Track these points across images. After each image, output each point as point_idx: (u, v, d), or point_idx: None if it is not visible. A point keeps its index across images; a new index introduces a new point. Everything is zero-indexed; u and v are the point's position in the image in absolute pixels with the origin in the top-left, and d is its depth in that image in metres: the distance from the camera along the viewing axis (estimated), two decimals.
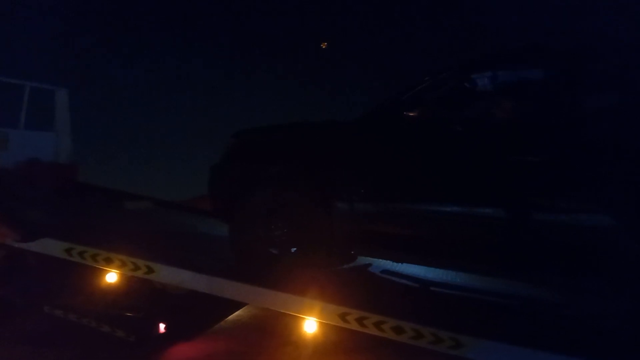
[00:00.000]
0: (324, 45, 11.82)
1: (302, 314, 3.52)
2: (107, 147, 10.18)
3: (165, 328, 4.25)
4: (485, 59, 3.76)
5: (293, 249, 3.69)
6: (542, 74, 3.44)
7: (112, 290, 4.23)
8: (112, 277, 4.14)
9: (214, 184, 4.11)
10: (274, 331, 4.50)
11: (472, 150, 3.35)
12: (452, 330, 3.04)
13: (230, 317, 4.95)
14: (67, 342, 4.23)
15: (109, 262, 3.82)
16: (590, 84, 3.29)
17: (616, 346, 2.84)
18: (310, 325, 3.65)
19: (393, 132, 3.51)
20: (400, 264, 4.00)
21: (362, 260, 4.10)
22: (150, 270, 3.74)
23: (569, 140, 3.10)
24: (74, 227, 4.32)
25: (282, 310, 3.53)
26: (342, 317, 3.32)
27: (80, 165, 6.63)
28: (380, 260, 4.06)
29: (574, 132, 3.12)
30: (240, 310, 4.98)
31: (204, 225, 5.30)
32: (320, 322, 3.52)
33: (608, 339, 2.93)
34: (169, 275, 3.76)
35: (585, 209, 3.04)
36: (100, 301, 4.26)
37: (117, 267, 3.84)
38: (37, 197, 5.14)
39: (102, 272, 4.09)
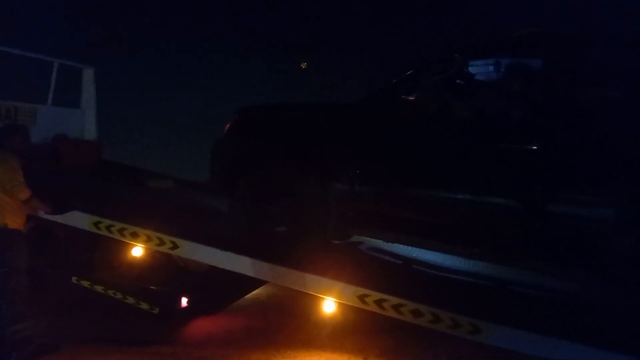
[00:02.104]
0: (304, 65, 11.82)
1: (321, 294, 3.58)
2: (132, 126, 10.30)
3: (187, 302, 4.36)
4: (483, 46, 3.79)
5: (290, 226, 3.72)
6: (540, 62, 3.43)
7: (137, 264, 4.36)
8: (137, 251, 4.25)
9: (216, 159, 4.14)
10: (292, 310, 4.60)
11: (466, 136, 3.38)
12: (472, 316, 3.08)
13: (249, 295, 5.05)
14: (93, 313, 4.39)
15: (135, 236, 3.92)
16: (588, 74, 3.26)
17: (626, 333, 2.86)
18: (329, 306, 3.72)
19: (391, 116, 3.54)
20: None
21: (356, 238, 4.13)
22: (175, 246, 3.83)
23: (567, 131, 3.09)
24: (101, 202, 4.42)
25: (302, 290, 3.59)
26: (361, 298, 3.37)
27: (105, 142, 6.72)
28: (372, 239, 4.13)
29: (572, 122, 3.10)
30: (259, 289, 5.09)
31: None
32: (339, 303, 3.58)
33: (619, 326, 2.94)
34: (193, 251, 3.85)
35: (581, 200, 3.04)
36: (126, 274, 4.39)
37: (143, 242, 3.94)
38: (64, 172, 5.25)
39: (128, 246, 4.20)
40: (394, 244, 4.16)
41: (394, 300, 3.29)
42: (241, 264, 3.69)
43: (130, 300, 4.20)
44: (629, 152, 2.91)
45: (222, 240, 3.86)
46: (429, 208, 3.45)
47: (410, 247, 4.19)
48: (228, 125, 4.11)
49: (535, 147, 3.11)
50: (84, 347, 3.93)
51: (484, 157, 3.25)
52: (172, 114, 10.82)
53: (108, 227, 3.96)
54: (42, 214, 4.03)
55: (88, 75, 6.78)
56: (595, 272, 3.11)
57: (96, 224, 3.98)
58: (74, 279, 4.33)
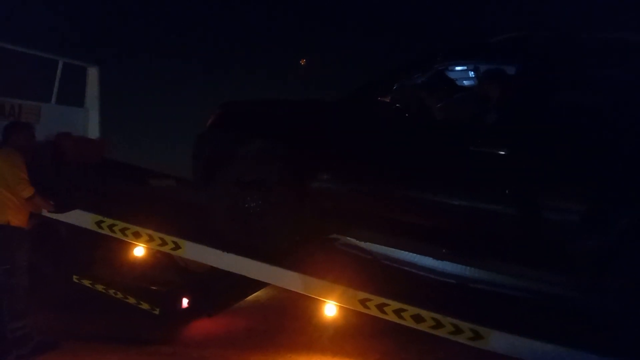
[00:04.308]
0: (302, 62, 11.84)
1: (323, 297, 3.59)
2: (135, 125, 10.31)
3: (188, 303, 4.36)
4: (463, 49, 3.79)
5: (267, 220, 3.74)
6: (517, 66, 3.44)
7: (138, 263, 4.36)
8: (139, 250, 4.25)
9: (197, 151, 4.16)
10: (293, 313, 4.60)
11: (441, 138, 3.42)
12: (474, 322, 3.08)
13: (249, 297, 5.05)
14: (93, 312, 4.39)
15: (137, 236, 3.92)
16: (567, 79, 3.30)
17: (625, 342, 2.87)
18: (330, 309, 3.71)
19: (368, 115, 3.59)
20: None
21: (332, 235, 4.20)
22: (177, 246, 3.83)
23: (538, 135, 3.13)
24: (103, 201, 4.42)
25: (303, 293, 3.59)
26: (363, 302, 3.37)
27: (108, 141, 6.73)
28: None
29: (543, 126, 3.14)
30: (259, 291, 5.08)
31: None
32: (340, 306, 3.58)
33: (618, 334, 2.95)
34: (194, 252, 3.85)
35: (549, 203, 3.06)
36: (126, 274, 4.38)
37: (145, 242, 3.94)
38: (67, 170, 5.26)
39: (130, 246, 4.20)
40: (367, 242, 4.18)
41: (396, 304, 3.29)
42: (242, 266, 3.69)
43: (131, 300, 4.20)
44: (599, 156, 2.96)
45: (224, 240, 3.84)
46: (401, 207, 3.48)
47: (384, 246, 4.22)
48: (210, 120, 4.15)
49: (506, 151, 3.14)
50: (84, 345, 3.93)
51: (457, 159, 3.30)
52: (175, 113, 10.83)
53: (110, 227, 3.96)
54: (44, 212, 4.04)
55: (93, 73, 6.79)
56: (561, 274, 3.13)
57: (98, 223, 3.98)
58: (75, 277, 4.33)
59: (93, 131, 6.75)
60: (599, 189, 2.94)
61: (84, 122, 6.73)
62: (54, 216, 4.07)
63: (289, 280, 3.61)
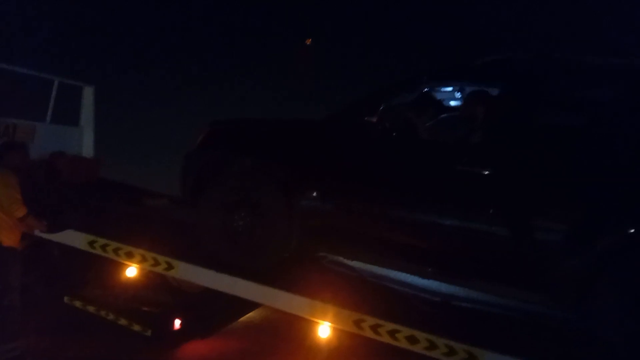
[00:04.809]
0: (308, 42, 11.90)
1: (316, 318, 3.57)
2: (129, 144, 10.34)
3: (180, 324, 4.32)
4: (448, 70, 3.88)
5: (254, 239, 3.75)
6: (499, 87, 3.53)
7: (130, 284, 4.33)
8: (131, 271, 4.22)
9: (186, 170, 4.19)
10: (286, 334, 4.56)
11: (426, 157, 3.48)
12: (468, 343, 3.07)
13: (242, 318, 5.01)
14: (85, 334, 4.33)
15: (130, 256, 3.90)
16: (550, 100, 3.38)
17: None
18: (323, 330, 3.69)
19: (355, 134, 3.64)
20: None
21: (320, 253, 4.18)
22: (170, 267, 3.81)
23: (525, 154, 3.16)
24: (96, 221, 4.41)
25: (296, 313, 3.57)
26: (357, 323, 3.36)
27: (103, 160, 6.72)
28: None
29: (526, 147, 3.18)
30: (253, 312, 5.04)
31: None
32: (334, 327, 3.56)
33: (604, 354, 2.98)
34: (188, 272, 3.83)
35: (538, 222, 3.09)
36: (119, 295, 4.35)
37: (138, 262, 3.92)
38: (61, 190, 5.24)
39: (122, 266, 4.17)
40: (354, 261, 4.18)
41: (390, 325, 3.28)
42: (236, 286, 3.67)
43: (123, 321, 4.16)
44: (581, 177, 3.02)
45: (215, 260, 3.83)
46: (388, 226, 3.51)
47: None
48: (199, 138, 4.19)
49: (490, 171, 3.19)
50: None
51: (443, 179, 3.34)
52: (169, 132, 10.87)
53: (103, 247, 3.94)
54: (37, 232, 4.02)
55: (88, 93, 6.82)
56: (544, 294, 3.14)
57: (91, 243, 3.96)
58: (66, 298, 4.29)
59: (88, 150, 6.75)
60: (580, 209, 2.98)
61: (79, 141, 6.73)
62: (47, 236, 4.06)
63: (282, 301, 3.59)
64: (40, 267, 4.49)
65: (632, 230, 2.85)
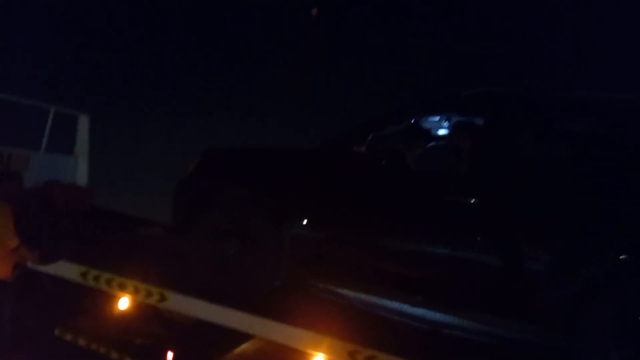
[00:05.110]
0: (314, 12, 11.97)
1: (310, 350, 3.53)
2: (123, 173, 10.37)
3: (173, 357, 4.25)
4: (435, 102, 4.02)
5: (245, 267, 3.77)
6: (487, 120, 3.60)
7: (122, 316, 4.27)
8: (124, 302, 4.18)
9: (177, 197, 4.23)
10: None
11: (415, 188, 3.54)
12: None
13: (236, 350, 4.93)
14: None
15: (122, 287, 3.88)
16: (533, 131, 3.49)
17: None
18: None
19: (344, 165, 3.71)
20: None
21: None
22: (163, 298, 3.79)
23: (508, 184, 3.26)
24: (90, 251, 4.39)
25: (290, 345, 3.54)
26: (351, 355, 3.33)
27: (98, 189, 6.73)
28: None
29: (512, 178, 3.28)
30: (246, 343, 4.97)
31: None
32: (328, 359, 3.53)
33: None
34: (180, 303, 3.80)
35: (516, 252, 3.16)
36: (110, 326, 4.29)
37: (130, 293, 3.89)
38: (55, 219, 5.23)
39: (115, 297, 4.13)
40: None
41: (384, 357, 3.25)
42: (229, 317, 3.65)
43: (114, 354, 4.09)
44: (565, 207, 3.06)
45: (211, 290, 3.81)
46: (377, 255, 3.56)
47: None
48: (191, 167, 4.24)
49: (476, 200, 3.24)
50: None
51: (429, 208, 3.40)
52: (163, 162, 10.92)
53: (95, 278, 3.92)
54: (29, 263, 3.99)
55: (83, 122, 6.87)
56: (532, 323, 3.15)
57: (83, 275, 3.94)
58: (57, 330, 4.23)
59: (82, 179, 6.77)
60: (566, 239, 3.02)
61: (74, 169, 6.76)
62: (39, 267, 4.03)
63: (276, 332, 3.56)
64: (31, 298, 4.44)
65: (617, 261, 2.88)
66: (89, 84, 11.64)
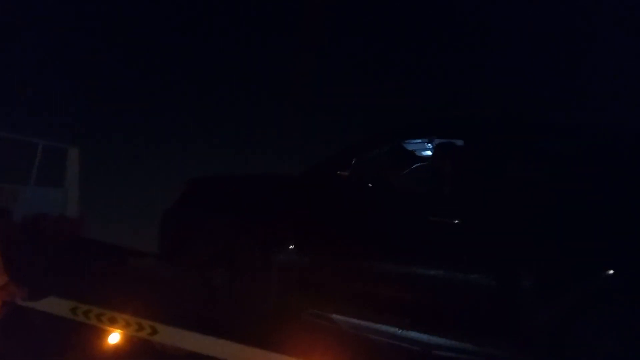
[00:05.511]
0: None
1: None
2: (113, 204, 10.34)
3: None
4: (416, 125, 4.07)
5: (233, 295, 3.76)
6: (463, 144, 3.68)
7: (113, 350, 4.20)
8: (114, 337, 4.11)
9: (164, 228, 4.20)
10: None
11: (400, 210, 3.57)
12: None
13: None
14: None
15: (113, 322, 3.82)
16: (511, 156, 3.55)
17: None
18: None
19: (329, 189, 3.74)
20: None
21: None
22: (154, 331, 3.74)
23: (487, 206, 3.30)
24: (80, 285, 4.34)
25: None
26: None
27: (87, 221, 6.70)
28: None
29: (492, 199, 3.32)
30: None
31: None
32: None
33: None
34: (172, 336, 3.75)
35: (500, 273, 3.16)
36: None
37: (121, 327, 3.83)
38: (44, 253, 5.18)
39: (105, 332, 4.07)
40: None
41: None
42: (221, 349, 3.59)
43: None
44: (545, 228, 3.12)
45: (201, 321, 3.76)
46: (365, 278, 3.56)
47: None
48: (177, 196, 4.23)
49: (460, 222, 3.28)
50: None
51: (414, 230, 3.44)
52: (152, 191, 10.92)
53: (85, 313, 3.86)
54: (18, 300, 3.93)
55: (73, 155, 6.88)
56: (519, 345, 3.15)
57: (73, 310, 3.88)
58: None
59: (72, 211, 6.74)
60: (551, 259, 3.04)
61: (63, 202, 6.74)
62: (27, 304, 3.96)
63: None
64: (18, 336, 4.36)
65: (604, 280, 2.90)
66: (75, 117, 11.70)
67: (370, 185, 3.69)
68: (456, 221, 3.25)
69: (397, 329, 3.80)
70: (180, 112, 12.71)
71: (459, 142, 3.69)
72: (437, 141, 3.96)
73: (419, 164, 4.16)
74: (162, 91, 12.65)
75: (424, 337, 3.76)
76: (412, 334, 3.83)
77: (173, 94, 12.72)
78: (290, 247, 3.68)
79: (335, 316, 4.08)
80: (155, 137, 12.28)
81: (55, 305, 3.95)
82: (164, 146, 12.23)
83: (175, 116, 12.68)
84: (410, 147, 4.23)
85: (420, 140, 4.15)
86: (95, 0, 12.53)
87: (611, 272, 2.85)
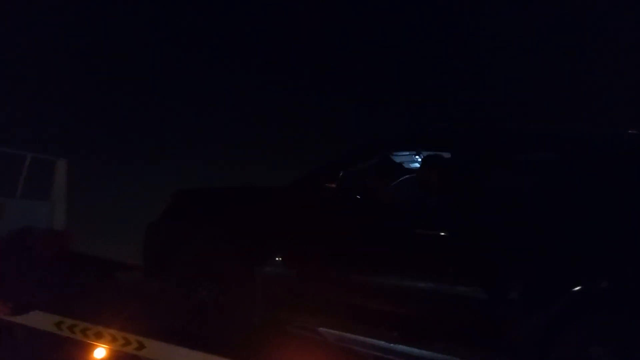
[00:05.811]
0: None
1: None
2: (101, 217, 10.26)
3: None
4: (402, 137, 4.11)
5: (218, 308, 3.73)
6: (448, 155, 3.71)
7: None
8: (100, 352, 4.05)
9: (148, 241, 4.18)
10: None
11: (386, 222, 3.59)
12: None
13: None
14: None
15: (99, 336, 3.76)
16: (495, 166, 3.60)
17: None
18: None
19: (315, 201, 3.74)
20: None
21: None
22: (141, 346, 3.69)
23: (472, 217, 3.32)
24: (65, 299, 4.28)
25: None
26: None
27: (74, 234, 6.63)
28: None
29: (476, 209, 3.35)
30: None
31: None
32: None
33: None
34: (160, 351, 3.70)
35: (488, 283, 3.17)
36: None
37: (108, 342, 3.77)
38: (29, 268, 5.12)
39: (91, 347, 4.01)
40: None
41: None
42: None
43: None
44: (532, 238, 3.14)
45: (187, 336, 3.71)
46: (351, 291, 3.55)
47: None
48: (162, 209, 4.21)
49: (446, 234, 3.30)
50: None
51: (402, 243, 3.44)
52: (141, 204, 10.86)
53: (70, 328, 3.81)
54: (2, 314, 3.88)
55: (61, 167, 6.83)
56: (507, 355, 3.16)
57: (58, 325, 3.83)
58: None
59: (59, 224, 6.67)
60: (539, 269, 3.06)
61: (50, 215, 6.67)
62: (11, 319, 3.91)
63: None
64: (2, 352, 4.29)
65: (592, 290, 2.93)
66: (64, 129, 11.66)
67: (357, 197, 3.72)
68: (443, 234, 3.28)
69: (383, 342, 3.80)
70: (167, 126, 12.75)
71: (446, 155, 3.73)
72: (424, 153, 4.01)
73: (406, 176, 4.19)
74: (149, 104, 12.69)
75: (410, 349, 3.77)
76: (399, 347, 3.84)
77: (160, 107, 12.77)
78: (277, 259, 3.68)
79: (321, 329, 4.08)
80: (143, 150, 12.27)
81: (40, 320, 3.90)
82: (151, 159, 12.22)
83: (162, 130, 12.71)
84: (397, 158, 4.28)
85: (407, 153, 4.20)
86: (83, 12, 12.53)
87: (598, 281, 2.89)
